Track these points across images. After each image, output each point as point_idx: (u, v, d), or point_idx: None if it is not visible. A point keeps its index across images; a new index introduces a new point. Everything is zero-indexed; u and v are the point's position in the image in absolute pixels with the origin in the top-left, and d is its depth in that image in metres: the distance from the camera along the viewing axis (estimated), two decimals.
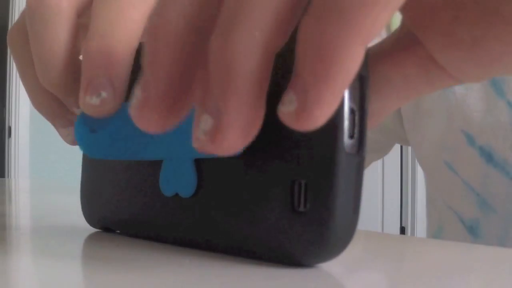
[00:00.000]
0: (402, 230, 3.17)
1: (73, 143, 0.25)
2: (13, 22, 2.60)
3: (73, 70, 0.23)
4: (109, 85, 0.20)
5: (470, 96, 0.41)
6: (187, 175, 0.21)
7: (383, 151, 0.54)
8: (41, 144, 2.49)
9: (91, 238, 0.26)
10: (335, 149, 0.17)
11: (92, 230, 0.27)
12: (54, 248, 0.23)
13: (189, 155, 0.21)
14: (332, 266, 0.18)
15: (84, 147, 0.23)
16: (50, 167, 2.50)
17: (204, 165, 0.21)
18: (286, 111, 0.14)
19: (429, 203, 0.51)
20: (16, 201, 0.50)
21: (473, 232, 0.42)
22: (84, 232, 0.27)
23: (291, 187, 0.18)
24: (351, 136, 0.17)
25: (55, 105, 0.25)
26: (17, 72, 0.26)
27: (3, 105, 2.59)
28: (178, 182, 0.22)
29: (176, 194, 0.22)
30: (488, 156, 0.40)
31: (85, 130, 0.22)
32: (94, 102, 0.20)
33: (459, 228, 0.43)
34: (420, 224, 3.19)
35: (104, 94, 0.20)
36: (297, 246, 0.18)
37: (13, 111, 2.50)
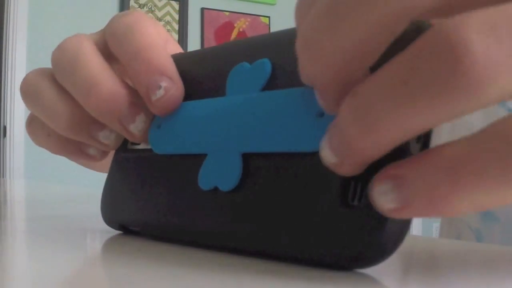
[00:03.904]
0: None
1: (109, 146, 0.27)
2: (8, 24, 2.58)
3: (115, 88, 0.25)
4: (165, 77, 0.24)
5: None
6: (231, 167, 0.21)
7: None
8: None
9: (97, 239, 0.25)
10: (400, 147, 0.16)
11: (96, 231, 0.27)
12: (64, 250, 0.23)
13: (237, 148, 0.21)
14: (376, 273, 0.18)
15: (151, 142, 0.25)
16: (45, 168, 2.49)
17: (251, 161, 0.20)
18: (380, 202, 0.15)
19: None
20: (11, 202, 0.50)
21: (479, 241, 0.43)
22: (85, 233, 0.26)
23: (346, 180, 0.17)
24: (417, 139, 0.17)
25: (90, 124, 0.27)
26: (43, 113, 0.28)
27: None
28: (220, 174, 0.21)
29: (215, 188, 0.21)
30: None
31: (154, 126, 0.25)
32: (159, 94, 0.24)
33: (472, 237, 0.44)
34: (417, 223, 3.20)
35: (164, 83, 0.24)
36: (345, 243, 0.17)
37: (8, 110, 2.49)
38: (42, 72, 0.29)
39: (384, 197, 0.15)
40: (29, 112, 0.30)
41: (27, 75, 0.29)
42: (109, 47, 0.27)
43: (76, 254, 0.22)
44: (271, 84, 0.21)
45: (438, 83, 0.13)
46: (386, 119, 0.14)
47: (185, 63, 0.25)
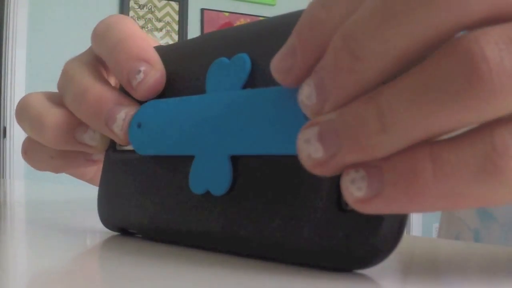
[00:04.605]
0: None
1: (99, 148, 0.27)
2: (8, 24, 2.57)
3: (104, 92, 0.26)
4: (143, 61, 0.25)
5: None
6: (221, 171, 0.20)
7: None
8: None
9: (97, 239, 0.25)
10: None
11: (97, 232, 0.27)
12: (63, 252, 0.23)
13: (225, 151, 0.20)
14: (373, 273, 0.18)
15: (132, 141, 0.24)
16: None
17: (241, 162, 0.20)
18: (349, 190, 0.15)
19: (444, 212, 0.51)
20: (11, 203, 0.50)
21: (477, 242, 0.43)
22: (85, 233, 0.26)
23: (339, 184, 0.17)
24: None
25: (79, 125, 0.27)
26: (31, 125, 0.29)
27: None
28: (210, 178, 0.21)
29: (207, 192, 0.21)
30: None
31: (133, 125, 0.24)
32: (139, 78, 0.24)
33: (470, 237, 0.44)
34: (416, 223, 3.19)
35: (143, 67, 0.24)
36: (341, 246, 0.17)
37: (8, 111, 2.49)
38: (35, 92, 0.30)
39: (353, 184, 0.15)
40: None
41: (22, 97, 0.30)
42: (95, 51, 0.28)
43: (76, 255, 0.22)
44: (251, 80, 0.20)
45: (454, 86, 0.13)
46: (407, 119, 0.14)
47: (163, 57, 0.25)
